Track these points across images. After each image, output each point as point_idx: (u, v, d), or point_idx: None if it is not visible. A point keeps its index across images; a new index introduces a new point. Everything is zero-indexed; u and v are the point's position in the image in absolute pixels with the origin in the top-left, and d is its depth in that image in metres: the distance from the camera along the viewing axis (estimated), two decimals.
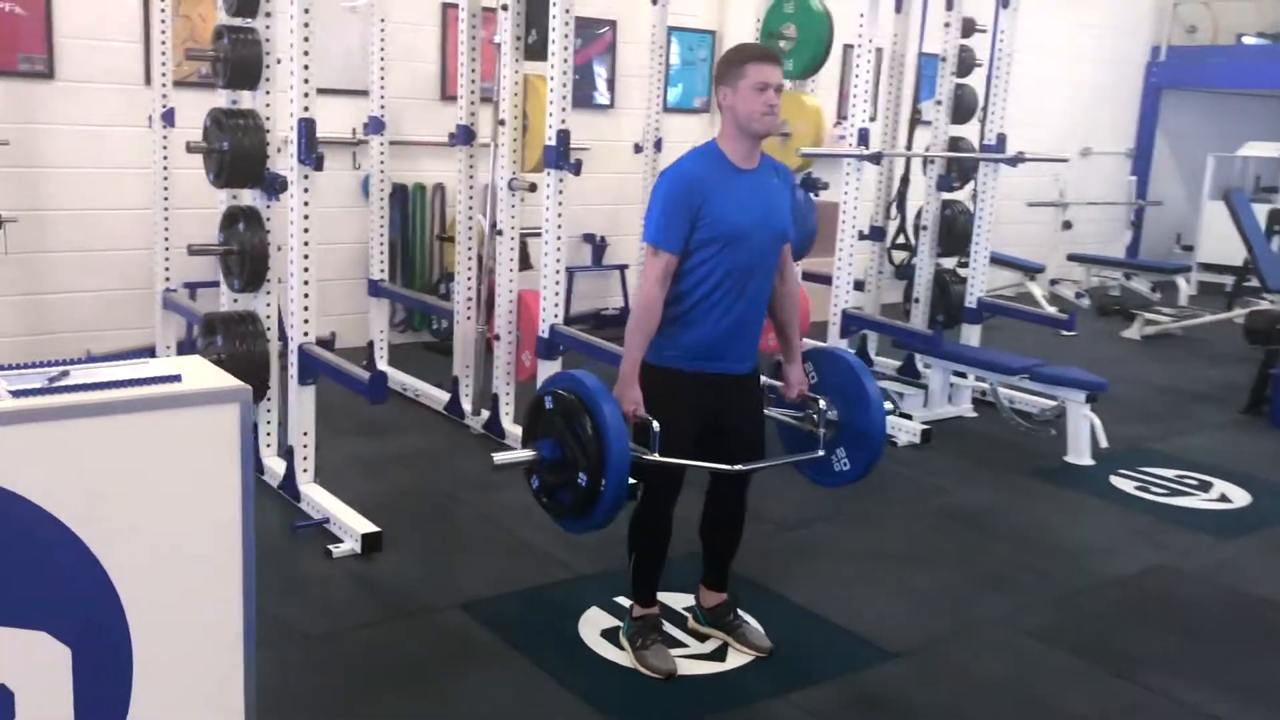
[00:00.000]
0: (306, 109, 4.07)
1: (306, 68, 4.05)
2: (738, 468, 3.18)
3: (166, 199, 5.37)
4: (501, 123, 4.99)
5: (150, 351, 5.74)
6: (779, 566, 3.99)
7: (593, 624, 3.48)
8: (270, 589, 3.62)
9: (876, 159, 5.61)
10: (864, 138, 5.57)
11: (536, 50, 4.91)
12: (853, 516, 4.50)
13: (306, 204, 4.14)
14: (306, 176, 4.12)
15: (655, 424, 2.97)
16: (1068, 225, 9.98)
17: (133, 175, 5.92)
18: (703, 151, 3.11)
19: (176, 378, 2.12)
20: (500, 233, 5.06)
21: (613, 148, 7.53)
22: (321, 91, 6.54)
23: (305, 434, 4.29)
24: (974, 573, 4.08)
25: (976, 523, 4.59)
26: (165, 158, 5.32)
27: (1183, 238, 11.68)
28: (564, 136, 4.62)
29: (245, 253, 4.34)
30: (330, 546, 3.91)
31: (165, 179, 5.35)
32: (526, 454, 2.97)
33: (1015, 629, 3.63)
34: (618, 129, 7.65)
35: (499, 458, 2.94)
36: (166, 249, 5.44)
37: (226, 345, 4.31)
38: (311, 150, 4.05)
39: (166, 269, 5.43)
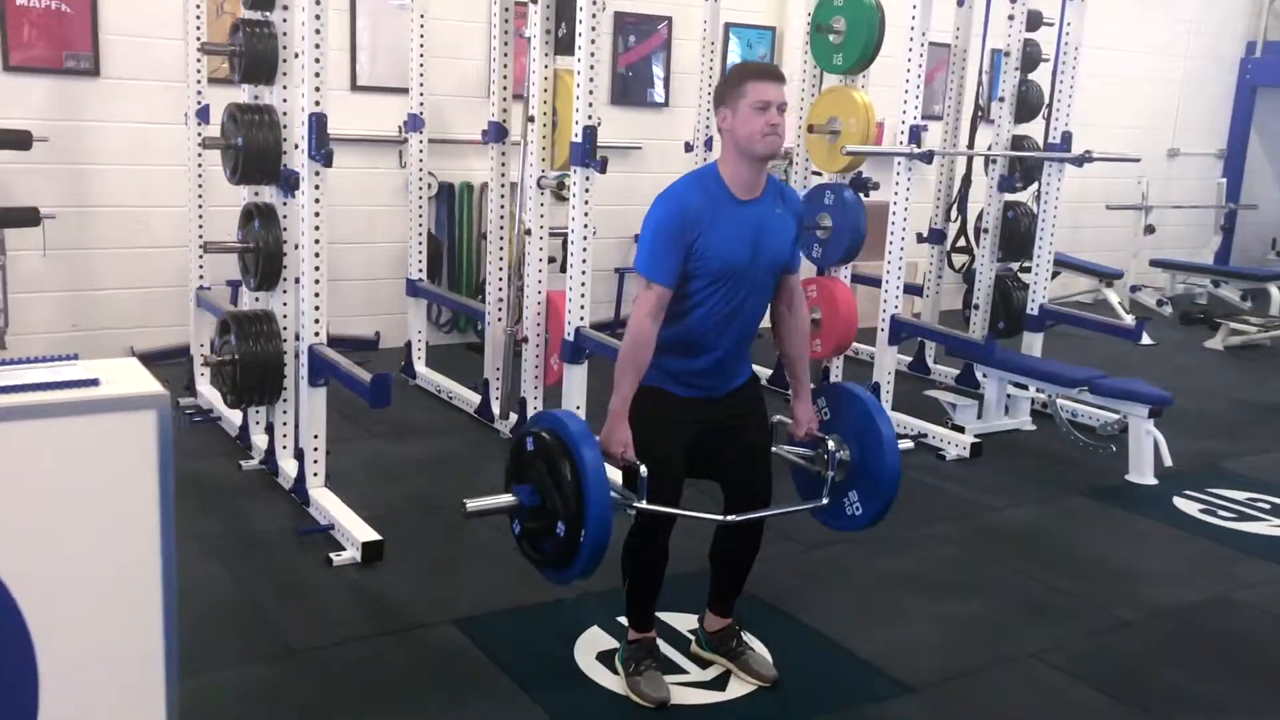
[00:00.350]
0: (318, 103, 3.95)
1: (318, 61, 3.93)
2: (731, 518, 2.99)
3: (201, 196, 5.32)
4: (531, 119, 4.84)
5: (184, 350, 5.72)
6: (798, 587, 3.77)
7: (590, 645, 3.30)
8: (266, 596, 3.55)
9: (928, 158, 5.33)
10: (915, 135, 5.31)
11: (567, 44, 4.74)
12: (885, 536, 4.22)
13: (318, 201, 4.02)
14: (318, 173, 4.00)
15: (644, 469, 2.79)
16: (1150, 229, 9.51)
17: (176, 172, 5.89)
18: (701, 177, 2.90)
19: (94, 382, 1.99)
20: (529, 232, 4.91)
21: (667, 146, 7.33)
22: (368, 89, 6.64)
23: (316, 436, 4.18)
24: (1012, 600, 3.80)
25: (1021, 545, 4.30)
26: (200, 154, 5.27)
27: (1279, 243, 11.07)
28: (590, 133, 4.45)
29: (260, 251, 4.26)
30: (331, 554, 3.80)
31: (200, 176, 5.29)
32: (503, 500, 2.78)
33: (1049, 664, 3.35)
34: (672, 127, 7.44)
35: (472, 505, 2.76)
36: (201, 247, 5.39)
37: (240, 345, 4.23)
38: (322, 146, 3.93)
39: (201, 266, 5.38)
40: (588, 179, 4.51)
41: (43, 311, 5.94)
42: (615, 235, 7.60)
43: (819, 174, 5.90)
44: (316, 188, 4.03)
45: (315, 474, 4.20)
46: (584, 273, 4.60)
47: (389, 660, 3.18)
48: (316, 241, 4.07)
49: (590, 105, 4.44)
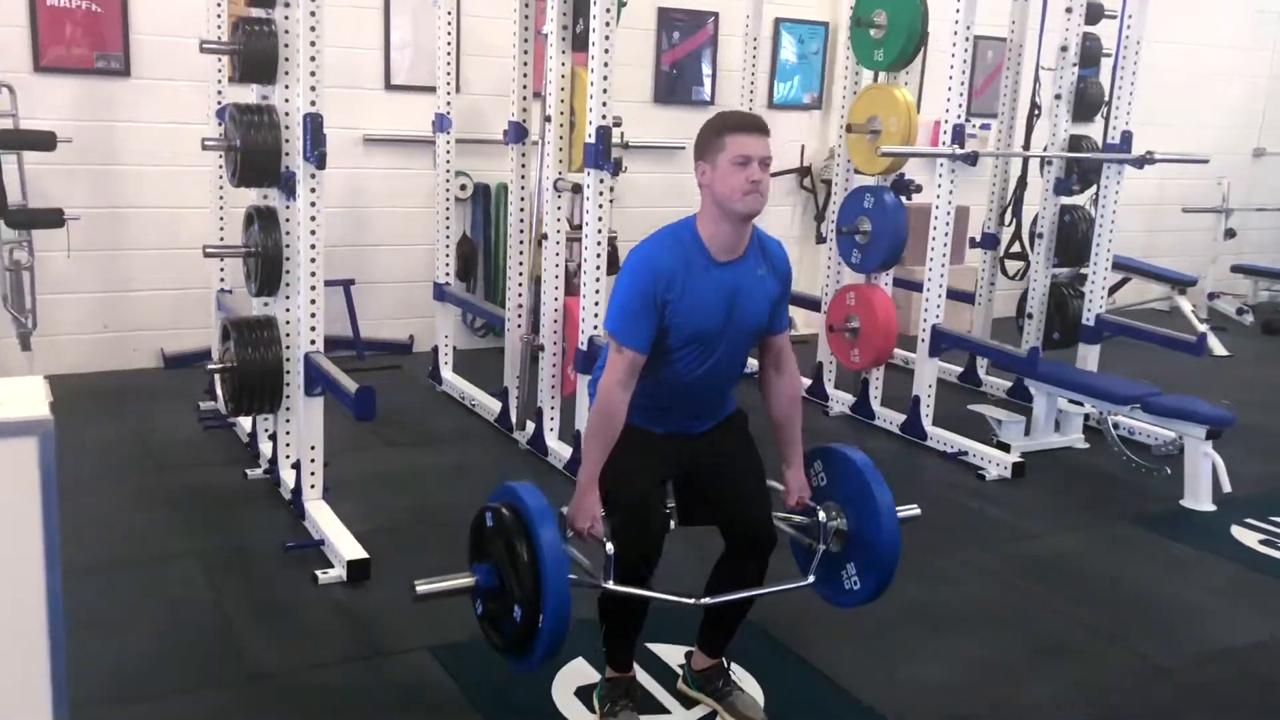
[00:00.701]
0: (313, 103, 3.82)
1: (314, 59, 3.79)
2: (704, 601, 2.80)
3: (222, 197, 5.24)
4: (548, 119, 4.66)
5: (207, 354, 5.65)
6: (802, 616, 3.50)
7: (570, 679, 3.10)
8: (242, 616, 3.41)
9: (971, 159, 5.03)
10: (958, 135, 5.02)
11: (585, 41, 4.55)
12: (909, 564, 3.93)
13: (314, 204, 3.89)
14: (314, 175, 3.86)
15: (610, 546, 2.61)
16: (1231, 233, 9.00)
17: (205, 173, 5.82)
18: (678, 234, 2.68)
19: None
20: (545, 237, 4.73)
21: None
22: (403, 88, 6.52)
23: (312, 448, 4.05)
24: (1040, 637, 3.51)
25: (1058, 575, 3.99)
26: (221, 155, 5.18)
27: None
28: (604, 134, 4.25)
29: (259, 255, 4.15)
30: (318, 571, 3.66)
31: (221, 177, 5.20)
32: (458, 581, 2.60)
33: (1069, 712, 3.08)
34: None
35: (421, 587, 2.57)
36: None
37: (239, 351, 4.12)
38: (316, 146, 3.80)
39: (222, 269, 5.30)
40: (602, 181, 4.32)
41: (74, 313, 5.94)
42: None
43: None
44: (313, 190, 3.89)
45: (312, 485, 4.07)
46: (598, 279, 4.42)
47: (353, 689, 3.03)
48: (313, 246, 3.94)
49: (604, 105, 4.25)
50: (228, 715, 2.89)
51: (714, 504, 2.82)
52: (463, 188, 6.61)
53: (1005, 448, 5.18)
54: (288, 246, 4.13)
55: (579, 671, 3.13)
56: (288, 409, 4.29)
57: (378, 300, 6.65)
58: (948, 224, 5.13)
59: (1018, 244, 6.31)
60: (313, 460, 4.06)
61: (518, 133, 5.13)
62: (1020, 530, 4.39)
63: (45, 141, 5.24)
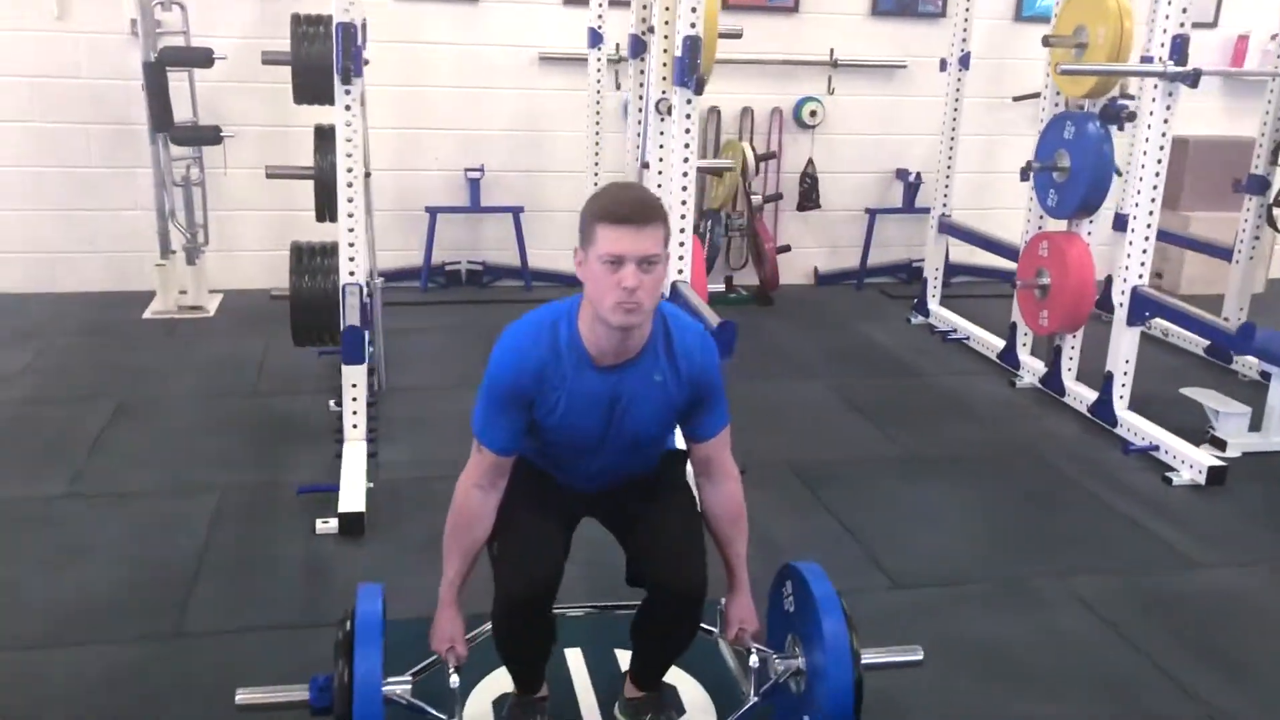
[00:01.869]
0: (348, 10, 3.49)
1: None
2: None
3: None
4: (651, 30, 4.08)
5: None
6: None
7: (498, 684, 2.64)
8: (212, 565, 3.18)
9: (1192, 79, 3.95)
10: (1178, 48, 3.96)
11: None
12: (1001, 580, 3.19)
13: (349, 124, 3.59)
14: (348, 91, 3.56)
15: (455, 678, 2.22)
16: None
17: (391, 92, 5.78)
18: (555, 323, 2.14)
19: None
20: (647, 165, 4.19)
21: (936, 66, 6.19)
22: (582, 3, 6.07)
23: (354, 385, 3.80)
24: (1132, 708, 2.67)
25: (1203, 627, 3.05)
26: None
27: None
28: (692, 45, 3.64)
29: (316, 176, 3.92)
30: (319, 520, 3.41)
31: None
32: (286, 695, 2.19)
33: None
34: (945, 42, 6.26)
35: (242, 696, 2.18)
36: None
37: (292, 279, 3.93)
38: (345, 59, 3.48)
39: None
40: (688, 102, 3.72)
41: (252, 229, 6.05)
42: (870, 170, 6.64)
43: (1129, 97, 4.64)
44: (347, 108, 3.59)
45: (354, 425, 3.83)
46: (684, 216, 3.84)
47: (264, 660, 2.73)
48: (350, 169, 3.65)
49: (694, 11, 3.63)
50: (126, 673, 2.68)
51: (635, 556, 2.32)
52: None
53: (1221, 445, 4.13)
54: None
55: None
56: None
57: (553, 229, 6.33)
58: (1159, 160, 4.09)
59: None
60: (354, 399, 3.82)
61: (636, 46, 4.58)
62: (1183, 557, 3.43)
63: (203, 58, 5.26)
